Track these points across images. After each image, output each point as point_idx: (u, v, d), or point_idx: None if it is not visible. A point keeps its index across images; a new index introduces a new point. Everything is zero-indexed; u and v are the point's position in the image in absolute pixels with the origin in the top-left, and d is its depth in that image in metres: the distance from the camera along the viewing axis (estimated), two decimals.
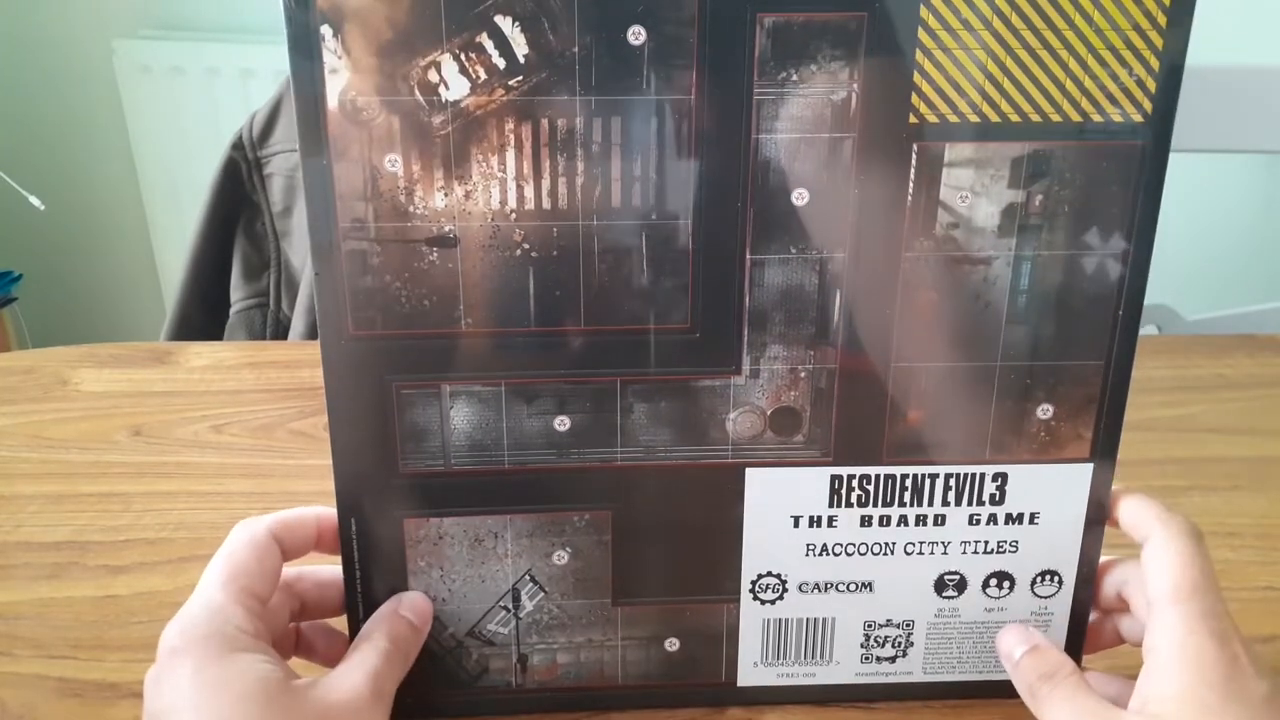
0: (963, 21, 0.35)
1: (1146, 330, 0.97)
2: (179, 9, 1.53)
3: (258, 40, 1.48)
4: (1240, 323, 0.96)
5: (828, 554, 0.42)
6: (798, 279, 0.38)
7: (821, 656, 0.44)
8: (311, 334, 0.85)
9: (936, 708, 0.44)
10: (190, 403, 0.64)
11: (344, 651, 0.39)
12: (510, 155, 0.36)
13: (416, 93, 0.35)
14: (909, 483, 0.41)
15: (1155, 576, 0.38)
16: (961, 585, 0.43)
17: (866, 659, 0.44)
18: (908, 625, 0.43)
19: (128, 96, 1.52)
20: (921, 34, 0.35)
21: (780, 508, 0.41)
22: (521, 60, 0.35)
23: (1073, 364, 0.40)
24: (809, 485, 0.41)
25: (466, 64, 0.35)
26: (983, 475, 0.41)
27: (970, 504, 0.41)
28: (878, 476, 0.41)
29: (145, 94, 1.51)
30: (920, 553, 0.42)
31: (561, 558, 0.41)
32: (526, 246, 0.37)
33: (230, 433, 0.62)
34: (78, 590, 0.49)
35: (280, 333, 0.91)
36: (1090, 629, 0.43)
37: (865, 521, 0.42)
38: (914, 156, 0.37)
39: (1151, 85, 0.36)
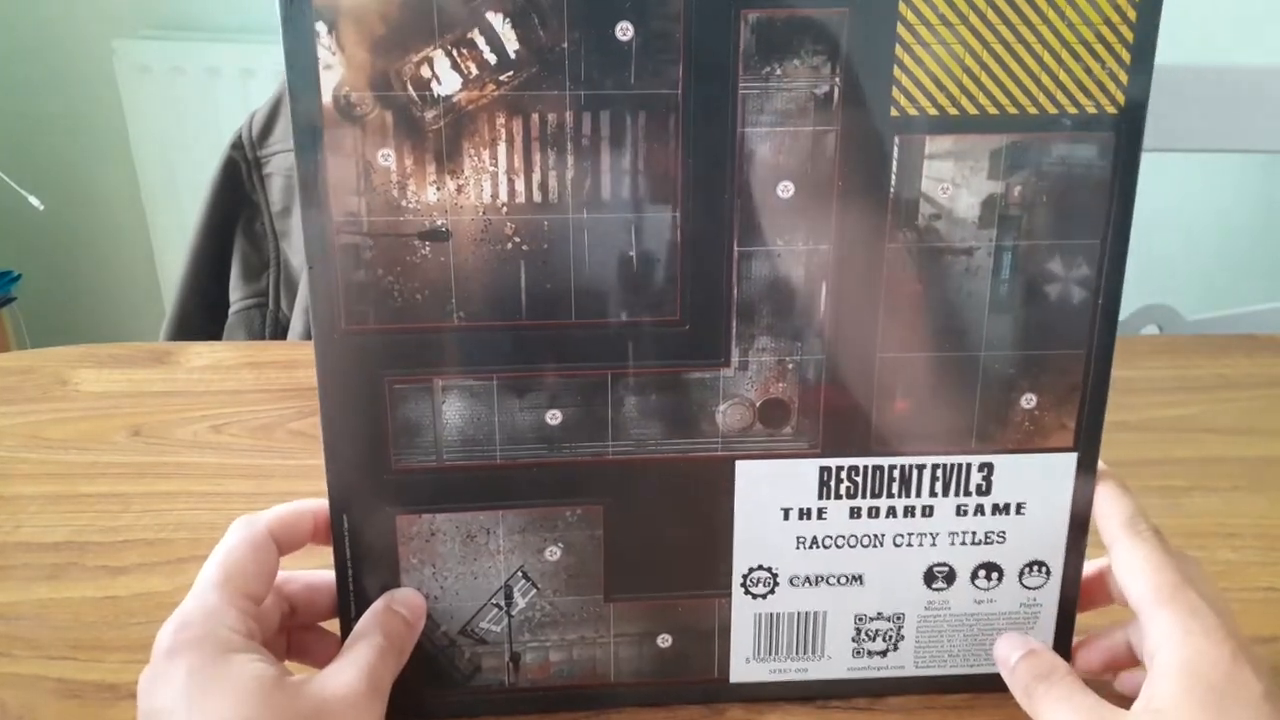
0: (940, 17, 0.36)
1: (1146, 330, 0.97)
2: (179, 9, 1.54)
3: (258, 40, 1.48)
4: (1240, 323, 0.97)
5: (818, 546, 0.42)
6: (784, 271, 0.39)
7: (813, 651, 0.44)
8: (310, 334, 0.85)
9: (938, 707, 0.44)
10: (190, 403, 0.64)
11: (337, 653, 0.39)
12: (501, 149, 0.37)
13: (409, 88, 0.36)
14: (896, 473, 0.42)
15: (1131, 583, 0.39)
16: (950, 577, 0.43)
17: (858, 653, 0.44)
18: (898, 618, 0.44)
19: (128, 96, 1.52)
20: (900, 29, 0.36)
21: (770, 500, 0.42)
22: (512, 56, 0.36)
23: (1054, 353, 0.40)
24: (798, 477, 0.41)
25: (458, 59, 0.36)
26: (969, 465, 0.42)
27: (957, 494, 0.42)
28: (866, 468, 0.41)
29: (145, 94, 1.51)
30: (909, 544, 0.43)
31: (554, 553, 0.42)
32: (517, 240, 0.38)
33: (230, 433, 0.62)
34: (77, 591, 0.49)
35: (280, 333, 0.91)
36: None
37: (854, 513, 0.42)
38: (895, 149, 0.38)
39: (1124, 78, 0.37)
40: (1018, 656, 0.41)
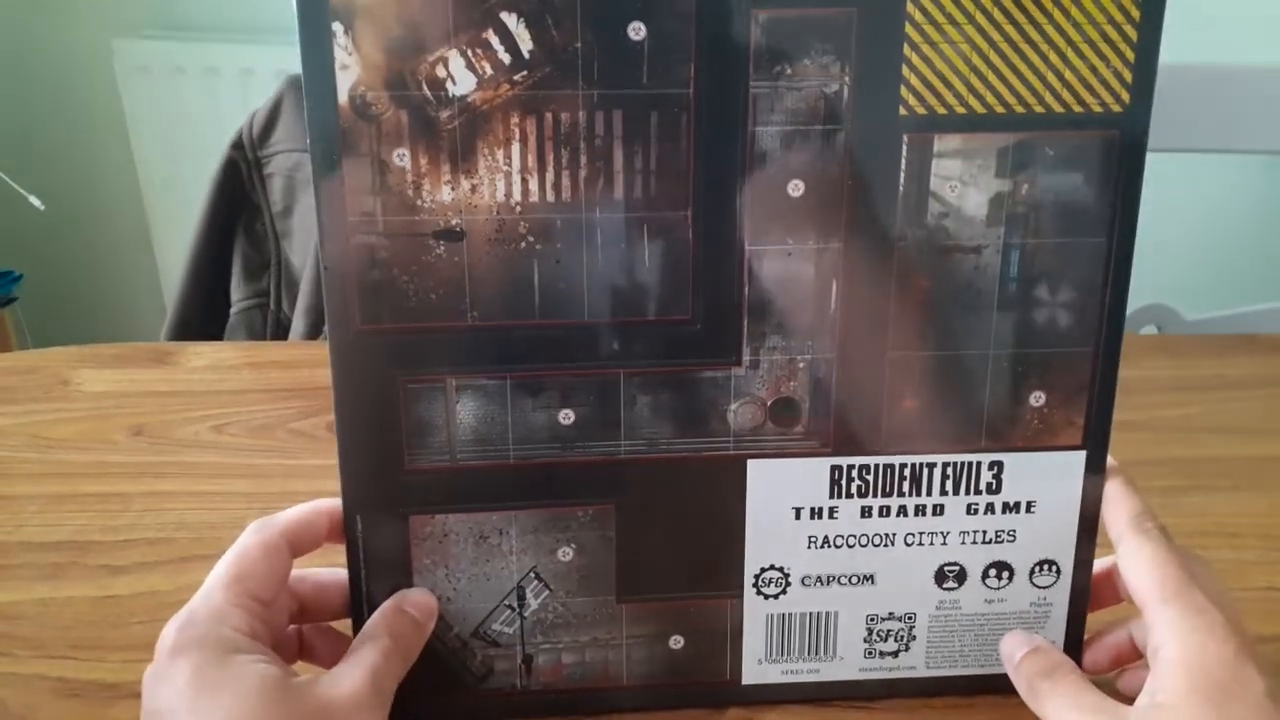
0: (947, 16, 0.37)
1: (1146, 330, 0.98)
2: (179, 9, 1.54)
3: (258, 40, 1.48)
4: (1240, 323, 0.97)
5: (829, 546, 0.42)
6: (795, 270, 0.39)
7: (825, 652, 0.44)
8: (311, 334, 0.85)
9: (938, 707, 0.44)
10: (190, 403, 0.64)
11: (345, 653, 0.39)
12: (515, 149, 0.37)
13: (424, 88, 0.36)
14: (907, 472, 0.42)
15: (1136, 580, 0.39)
16: (961, 576, 0.43)
17: (870, 654, 0.44)
18: (909, 618, 0.44)
19: (128, 96, 1.51)
20: (908, 29, 0.37)
21: (782, 500, 0.42)
22: (526, 56, 0.36)
23: (1062, 351, 0.41)
24: (809, 476, 0.41)
25: (473, 60, 0.36)
26: (979, 464, 0.42)
27: (968, 493, 0.42)
28: (877, 466, 0.42)
29: (145, 94, 1.50)
30: (920, 543, 0.43)
31: (566, 554, 0.42)
32: (531, 239, 0.38)
33: (230, 433, 0.62)
34: (78, 590, 0.49)
35: (280, 333, 0.91)
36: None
37: (865, 512, 0.42)
38: (904, 148, 0.38)
39: (1128, 76, 0.38)
40: (1022, 653, 0.41)
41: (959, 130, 0.38)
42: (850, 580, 0.43)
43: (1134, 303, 0.95)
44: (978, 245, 0.39)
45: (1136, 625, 0.42)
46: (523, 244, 0.38)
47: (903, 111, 0.38)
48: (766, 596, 0.43)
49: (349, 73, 0.36)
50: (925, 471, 0.42)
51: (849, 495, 0.42)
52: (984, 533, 0.43)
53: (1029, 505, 0.42)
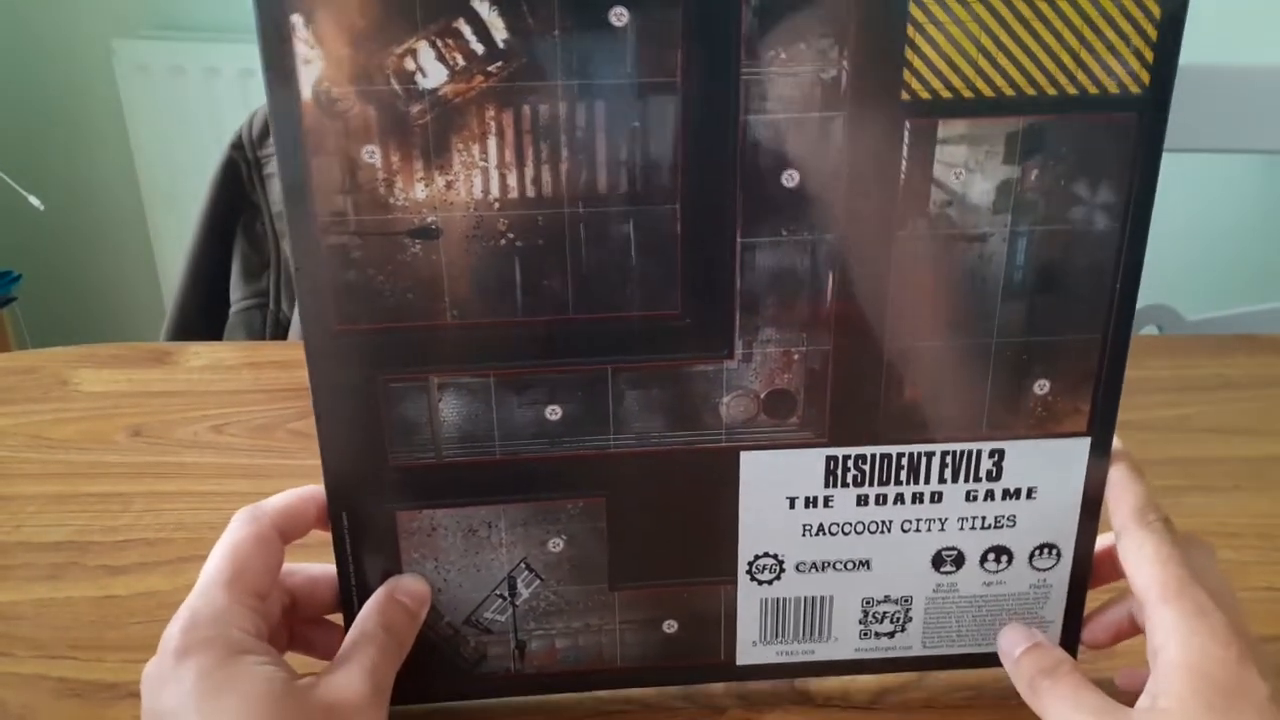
0: None
1: (1146, 330, 0.97)
2: (179, 9, 1.52)
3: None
4: (1240, 323, 0.96)
5: (824, 534, 0.42)
6: (790, 261, 0.37)
7: (820, 634, 0.44)
8: None
9: (937, 706, 0.44)
10: (190, 403, 0.64)
11: (339, 643, 0.39)
12: (492, 143, 0.35)
13: (393, 81, 0.34)
14: (905, 461, 0.41)
15: (1138, 576, 0.38)
16: (959, 561, 0.43)
17: (865, 635, 0.44)
18: (906, 601, 0.43)
19: (128, 96, 1.51)
20: (913, 8, 0.34)
21: (775, 490, 0.41)
22: (501, 45, 0.34)
23: (1070, 339, 0.39)
24: (804, 467, 0.40)
25: (444, 51, 0.34)
26: (979, 452, 0.41)
27: (967, 481, 0.41)
28: (873, 456, 0.40)
29: (145, 94, 1.50)
30: (917, 530, 0.42)
31: (557, 545, 0.41)
32: (511, 236, 0.36)
33: (230, 433, 0.62)
34: (78, 590, 0.49)
35: (280, 333, 0.90)
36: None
37: (861, 501, 0.41)
38: (906, 134, 0.36)
39: (1149, 55, 0.35)
40: (1021, 650, 0.41)
41: (965, 115, 0.36)
42: (846, 566, 0.42)
43: None
44: (983, 233, 0.37)
45: (1136, 603, 0.42)
46: (502, 241, 0.36)
47: (905, 96, 0.35)
48: (760, 582, 0.42)
49: (312, 67, 0.34)
50: (924, 460, 0.41)
51: (845, 485, 0.41)
52: (983, 519, 0.42)
53: (1030, 491, 0.41)
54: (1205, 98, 0.77)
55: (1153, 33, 0.35)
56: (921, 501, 0.41)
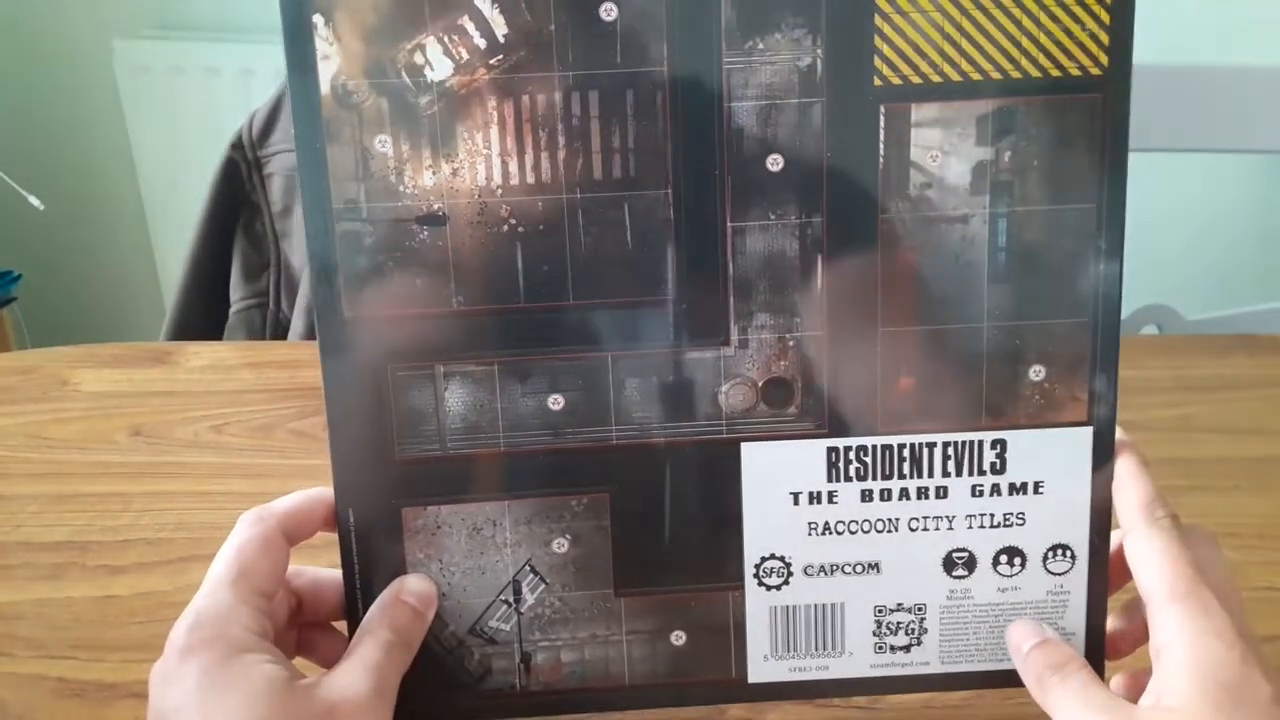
0: None
1: (1146, 330, 0.97)
2: (179, 9, 1.55)
3: (258, 40, 1.49)
4: (1240, 323, 0.96)
5: (830, 533, 0.41)
6: (779, 245, 0.39)
7: (833, 647, 0.42)
8: (311, 334, 0.86)
9: (938, 706, 0.43)
10: (190, 403, 0.65)
11: (343, 650, 0.39)
12: (494, 132, 0.38)
13: (403, 75, 0.37)
14: (907, 453, 0.41)
15: (1144, 575, 0.38)
16: (971, 563, 0.42)
17: (880, 649, 0.43)
18: (919, 609, 0.42)
19: (128, 96, 1.52)
20: None
21: (778, 484, 0.41)
22: (501, 39, 0.37)
23: (1059, 322, 0.40)
24: (806, 459, 0.41)
25: (449, 45, 0.37)
26: (981, 443, 0.41)
27: (971, 474, 0.41)
28: (874, 447, 0.41)
29: (145, 94, 1.51)
30: (925, 529, 0.41)
31: (561, 545, 0.41)
32: (513, 222, 0.38)
33: (230, 433, 0.62)
34: (77, 590, 0.49)
35: (280, 333, 0.91)
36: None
37: (866, 496, 0.41)
38: (881, 118, 0.38)
39: (1105, 38, 0.38)
40: (1030, 644, 0.40)
41: (936, 99, 0.38)
42: (854, 569, 0.42)
43: (1134, 303, 0.95)
44: (964, 215, 0.39)
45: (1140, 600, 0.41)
46: (505, 227, 0.38)
47: (877, 82, 0.38)
48: (769, 588, 0.42)
49: (330, 63, 0.37)
50: (925, 451, 0.41)
51: (847, 478, 0.41)
52: (991, 516, 0.41)
53: (1036, 485, 0.41)
54: (1205, 98, 0.79)
55: (1105, 16, 0.38)
56: (926, 496, 0.41)
